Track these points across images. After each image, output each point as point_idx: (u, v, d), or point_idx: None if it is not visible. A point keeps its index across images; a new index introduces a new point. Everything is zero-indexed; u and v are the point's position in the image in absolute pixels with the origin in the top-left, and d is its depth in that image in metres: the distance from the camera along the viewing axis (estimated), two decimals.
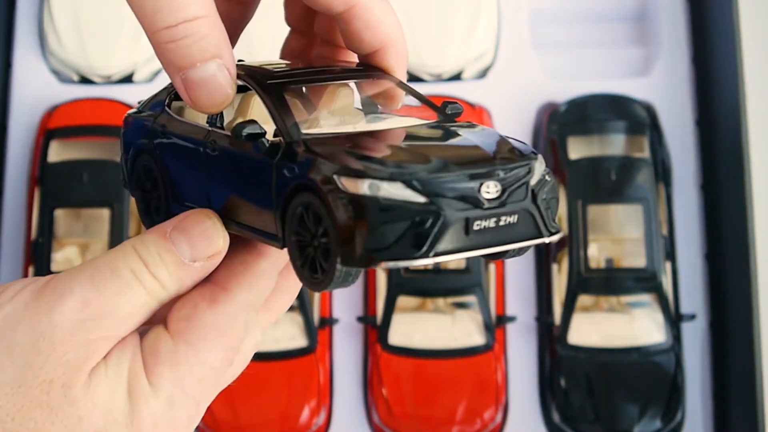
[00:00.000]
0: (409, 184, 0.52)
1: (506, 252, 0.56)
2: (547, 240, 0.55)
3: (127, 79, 1.41)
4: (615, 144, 1.36)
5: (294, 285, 0.64)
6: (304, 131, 0.57)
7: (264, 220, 0.57)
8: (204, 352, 0.58)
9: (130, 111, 0.69)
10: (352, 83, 0.62)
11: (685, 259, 1.36)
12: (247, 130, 0.56)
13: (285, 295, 0.64)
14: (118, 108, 1.36)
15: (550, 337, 1.33)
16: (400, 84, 0.62)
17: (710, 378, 1.35)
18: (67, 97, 1.39)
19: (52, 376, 0.54)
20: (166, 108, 0.65)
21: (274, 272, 0.62)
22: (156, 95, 0.67)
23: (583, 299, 1.31)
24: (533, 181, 0.55)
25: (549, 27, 1.48)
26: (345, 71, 0.62)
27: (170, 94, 0.65)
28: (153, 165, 0.64)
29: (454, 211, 0.52)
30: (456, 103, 0.63)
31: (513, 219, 0.54)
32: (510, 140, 0.58)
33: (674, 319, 1.31)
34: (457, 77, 1.42)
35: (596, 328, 1.31)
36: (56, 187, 1.32)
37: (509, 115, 1.40)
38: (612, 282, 1.31)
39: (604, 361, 1.30)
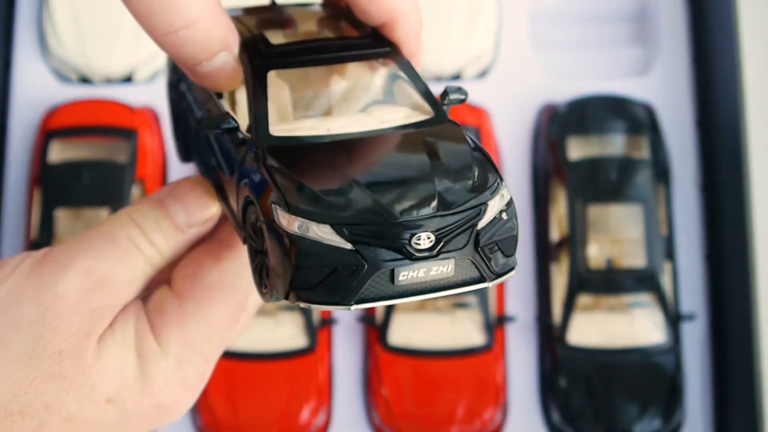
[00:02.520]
0: (338, 230, 0.51)
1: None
2: (489, 284, 0.53)
3: (127, 79, 1.41)
4: (615, 144, 1.36)
5: None
6: (273, 132, 0.55)
7: (234, 212, 0.58)
8: (210, 309, 0.59)
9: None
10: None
11: (685, 259, 1.36)
12: (218, 125, 0.56)
13: None
14: (118, 108, 1.36)
15: (550, 337, 1.33)
16: (403, 67, 0.60)
17: (710, 378, 1.35)
18: (67, 97, 1.39)
19: (62, 346, 0.54)
20: None
21: None
22: None
23: (583, 299, 1.31)
24: (482, 224, 0.53)
25: (549, 27, 1.48)
26: (350, 48, 0.60)
27: None
28: (181, 98, 0.66)
29: (380, 261, 0.51)
30: (461, 88, 0.60)
31: (446, 268, 0.52)
32: (477, 165, 0.54)
33: (674, 319, 1.31)
34: (456, 77, 1.42)
35: (596, 328, 1.31)
36: (56, 187, 1.32)
37: (509, 115, 1.40)
38: (612, 282, 1.31)
39: (604, 361, 1.30)
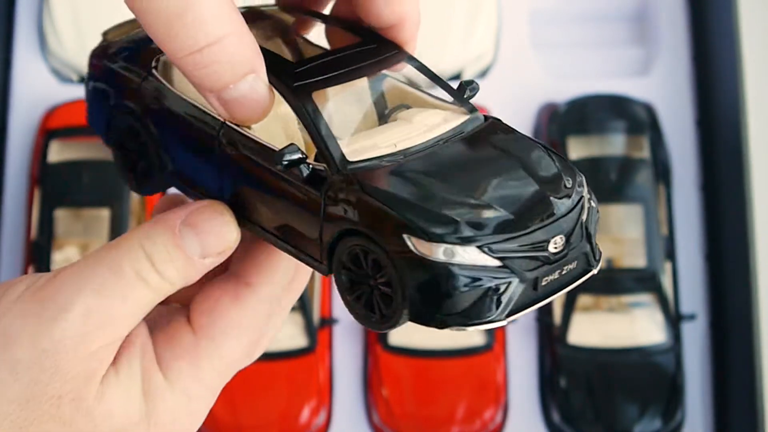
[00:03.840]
0: (483, 249, 0.50)
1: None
2: (595, 271, 0.55)
3: None
4: (615, 144, 1.36)
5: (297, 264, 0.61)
6: (349, 157, 0.53)
7: (300, 239, 0.54)
8: (226, 347, 0.58)
9: (97, 50, 0.64)
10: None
11: (685, 259, 1.36)
12: (287, 158, 0.52)
13: (305, 275, 0.62)
14: None
15: (550, 337, 1.33)
16: (421, 69, 0.59)
17: (710, 378, 1.34)
18: (67, 97, 1.39)
19: (60, 392, 0.52)
20: (153, 72, 0.60)
21: (298, 263, 0.60)
22: (129, 39, 0.63)
23: (583, 299, 1.31)
24: (584, 217, 0.54)
25: (549, 27, 1.48)
26: (368, 57, 0.58)
27: (155, 54, 0.60)
28: (140, 129, 0.60)
29: (526, 272, 0.51)
30: (473, 82, 0.60)
31: (573, 265, 0.54)
32: (555, 159, 0.55)
33: (674, 319, 1.31)
34: (457, 77, 1.42)
35: (596, 328, 1.31)
36: (56, 187, 1.32)
37: (509, 115, 1.40)
38: (612, 282, 1.31)
39: (604, 361, 1.30)
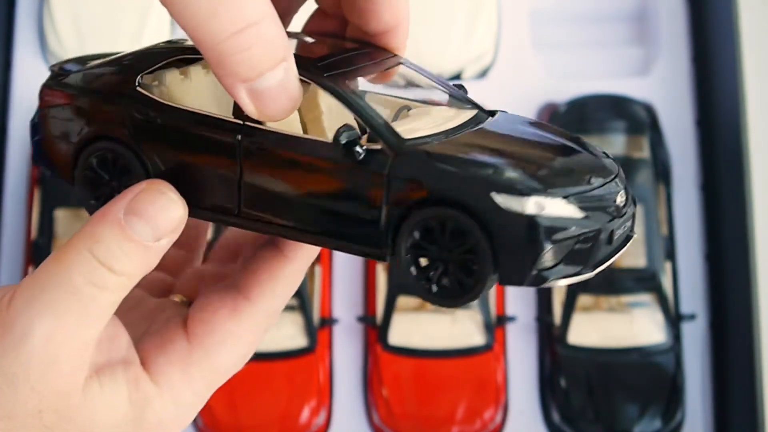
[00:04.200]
0: (568, 200, 0.51)
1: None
2: (635, 235, 0.56)
3: None
4: (615, 144, 1.36)
5: (300, 276, 0.60)
6: (403, 135, 0.53)
7: (350, 229, 0.54)
8: (218, 358, 0.57)
9: (51, 83, 0.61)
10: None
11: (685, 259, 1.36)
12: (344, 139, 0.52)
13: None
14: None
15: (550, 337, 1.33)
16: (421, 71, 0.60)
17: (710, 378, 1.35)
18: None
19: (40, 407, 0.52)
20: (138, 89, 0.58)
21: (300, 276, 0.59)
22: (91, 68, 0.60)
23: (583, 299, 1.31)
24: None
25: (549, 27, 1.48)
26: (368, 57, 0.58)
27: (136, 73, 0.58)
28: (126, 154, 0.58)
29: (606, 223, 0.52)
30: (461, 85, 0.61)
31: (629, 223, 0.55)
32: (575, 138, 0.57)
33: (674, 319, 1.31)
34: (457, 77, 1.42)
35: (596, 328, 1.31)
36: (56, 187, 1.32)
37: None
38: (612, 282, 1.31)
39: (604, 361, 1.30)
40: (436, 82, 0.61)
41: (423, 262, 0.53)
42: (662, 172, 1.35)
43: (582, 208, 0.51)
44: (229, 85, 0.50)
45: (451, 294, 0.52)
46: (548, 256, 0.51)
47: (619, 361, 1.30)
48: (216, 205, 0.57)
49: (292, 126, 0.58)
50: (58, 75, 0.61)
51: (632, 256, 1.32)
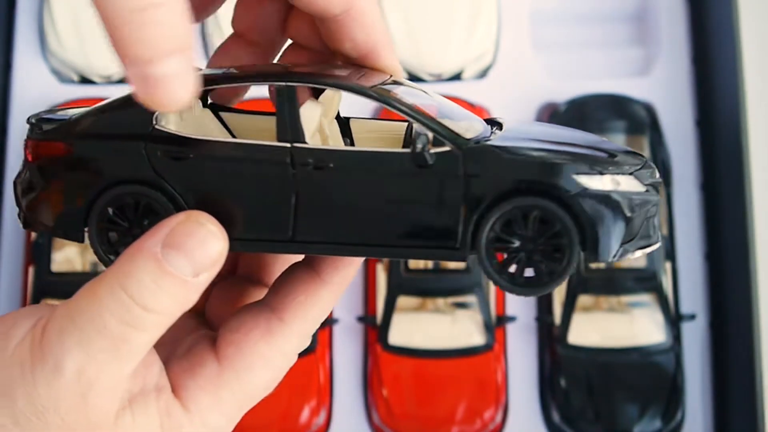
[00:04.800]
0: (635, 176, 0.55)
1: None
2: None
3: (125, 80, 1.41)
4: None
5: (334, 300, 0.59)
6: (464, 135, 0.55)
7: (427, 233, 0.54)
8: (249, 381, 0.56)
9: (40, 135, 0.57)
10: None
11: (685, 259, 1.36)
12: (421, 144, 0.53)
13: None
14: None
15: (550, 337, 1.33)
16: (414, 88, 0.60)
17: (710, 378, 1.35)
18: (67, 97, 1.39)
19: None
20: (158, 127, 0.56)
21: (335, 300, 0.58)
22: (84, 115, 0.57)
23: (583, 299, 1.31)
24: None
25: (549, 27, 1.48)
26: (366, 75, 0.59)
27: (152, 111, 0.56)
28: (153, 195, 0.55)
29: (658, 197, 0.57)
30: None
31: None
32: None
33: (674, 319, 1.31)
34: (457, 77, 1.42)
35: (596, 328, 1.31)
36: None
37: (509, 115, 1.40)
38: (612, 282, 1.31)
39: (604, 361, 1.30)
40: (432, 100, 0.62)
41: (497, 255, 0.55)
42: (662, 172, 1.35)
43: (643, 183, 0.55)
44: (125, 66, 0.49)
45: (539, 282, 0.55)
46: (630, 229, 0.54)
47: (619, 361, 1.30)
48: (263, 234, 0.55)
49: (337, 141, 0.59)
50: (42, 126, 0.57)
51: None
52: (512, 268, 0.55)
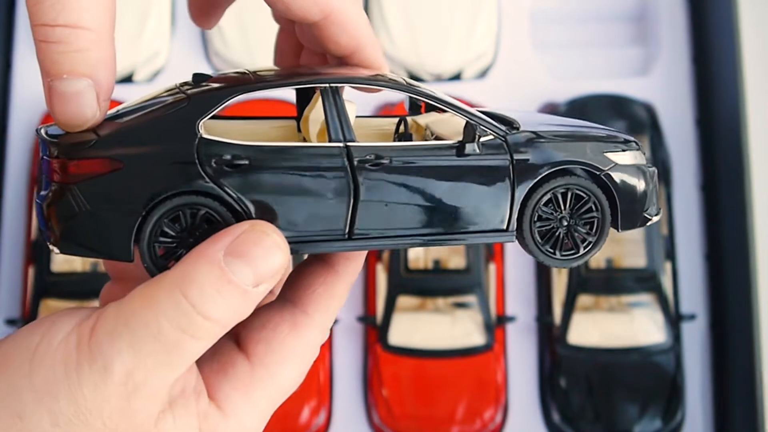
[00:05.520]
0: (641, 150, 0.62)
1: None
2: None
3: (127, 79, 1.41)
4: None
5: (347, 291, 0.61)
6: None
7: (481, 218, 0.58)
8: (281, 376, 0.56)
9: (74, 152, 0.53)
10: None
11: (685, 259, 1.36)
12: (473, 135, 0.57)
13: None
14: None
15: (550, 337, 1.33)
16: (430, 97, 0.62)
17: (710, 378, 1.35)
18: None
19: None
20: (205, 136, 0.55)
21: (347, 292, 0.59)
22: (123, 127, 0.55)
23: (583, 299, 1.31)
24: None
25: (549, 27, 1.48)
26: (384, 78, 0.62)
27: (194, 120, 0.55)
28: (210, 204, 0.54)
29: (654, 168, 0.63)
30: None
31: None
32: None
33: (674, 319, 1.31)
34: (457, 77, 1.42)
35: (596, 328, 1.31)
36: None
37: None
38: (612, 282, 1.31)
39: (604, 361, 1.30)
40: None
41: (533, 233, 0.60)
42: (662, 172, 1.35)
43: (645, 158, 0.62)
44: (41, 73, 0.51)
45: (576, 253, 0.61)
46: (650, 198, 0.61)
47: (619, 361, 1.30)
48: (320, 234, 0.56)
49: (384, 137, 0.63)
50: (67, 142, 0.54)
51: (632, 256, 1.32)
52: (551, 244, 0.60)
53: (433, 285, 1.33)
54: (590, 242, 0.61)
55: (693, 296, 1.36)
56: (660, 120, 1.38)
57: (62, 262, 1.31)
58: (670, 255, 1.33)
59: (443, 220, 0.57)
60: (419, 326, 1.33)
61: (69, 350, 0.50)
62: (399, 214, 0.57)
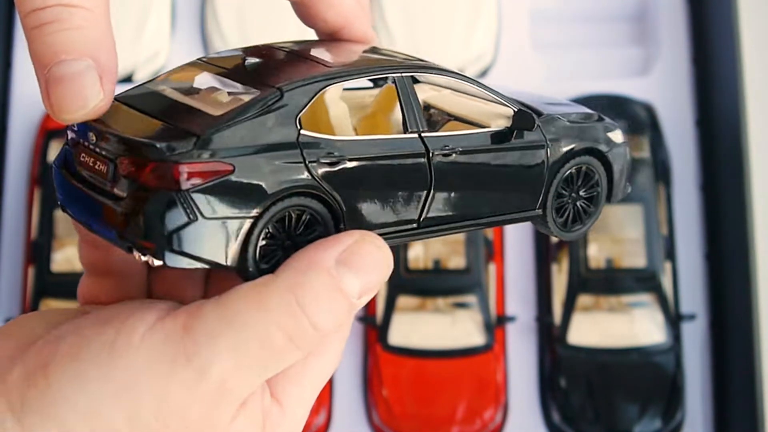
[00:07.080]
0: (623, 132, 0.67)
1: None
2: None
3: (127, 79, 1.41)
4: None
5: None
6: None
7: (521, 199, 0.61)
8: (327, 362, 0.55)
9: (193, 153, 0.49)
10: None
11: (685, 259, 1.36)
12: (523, 120, 0.60)
13: None
14: None
15: (550, 337, 1.33)
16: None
17: (710, 378, 1.35)
18: None
19: None
20: (305, 133, 0.52)
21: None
22: (233, 124, 0.50)
23: (583, 299, 1.31)
24: None
25: (549, 27, 1.48)
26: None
27: (294, 116, 0.52)
28: (316, 206, 0.53)
29: None
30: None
31: None
32: None
33: (674, 319, 1.31)
34: None
35: (596, 328, 1.31)
36: None
37: None
38: (612, 282, 1.31)
39: (604, 361, 1.30)
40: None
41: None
42: (662, 172, 1.35)
43: None
44: (36, 73, 0.47)
45: (580, 225, 0.64)
46: (629, 171, 0.67)
47: (619, 361, 1.30)
48: (396, 226, 0.55)
49: (457, 126, 0.64)
50: (198, 142, 0.49)
51: (632, 256, 1.32)
52: (562, 218, 0.63)
53: (433, 285, 1.33)
54: (590, 214, 0.65)
55: (693, 296, 1.36)
56: (660, 120, 1.38)
57: (62, 262, 1.31)
58: (670, 255, 1.33)
59: (500, 204, 0.61)
60: (419, 326, 1.33)
61: (155, 345, 0.47)
62: (463, 201, 0.58)
